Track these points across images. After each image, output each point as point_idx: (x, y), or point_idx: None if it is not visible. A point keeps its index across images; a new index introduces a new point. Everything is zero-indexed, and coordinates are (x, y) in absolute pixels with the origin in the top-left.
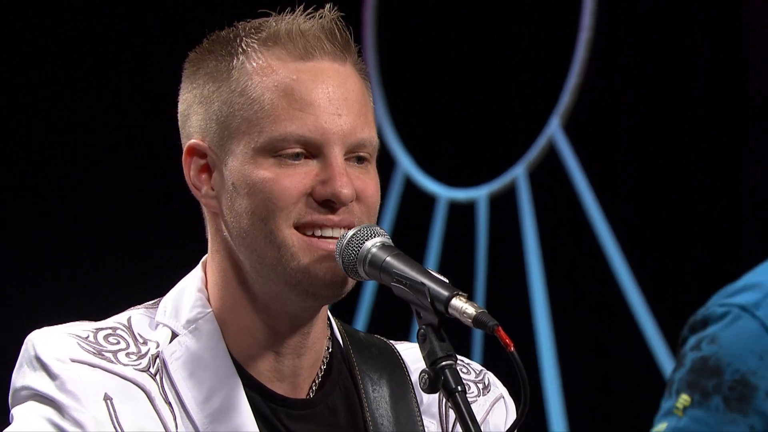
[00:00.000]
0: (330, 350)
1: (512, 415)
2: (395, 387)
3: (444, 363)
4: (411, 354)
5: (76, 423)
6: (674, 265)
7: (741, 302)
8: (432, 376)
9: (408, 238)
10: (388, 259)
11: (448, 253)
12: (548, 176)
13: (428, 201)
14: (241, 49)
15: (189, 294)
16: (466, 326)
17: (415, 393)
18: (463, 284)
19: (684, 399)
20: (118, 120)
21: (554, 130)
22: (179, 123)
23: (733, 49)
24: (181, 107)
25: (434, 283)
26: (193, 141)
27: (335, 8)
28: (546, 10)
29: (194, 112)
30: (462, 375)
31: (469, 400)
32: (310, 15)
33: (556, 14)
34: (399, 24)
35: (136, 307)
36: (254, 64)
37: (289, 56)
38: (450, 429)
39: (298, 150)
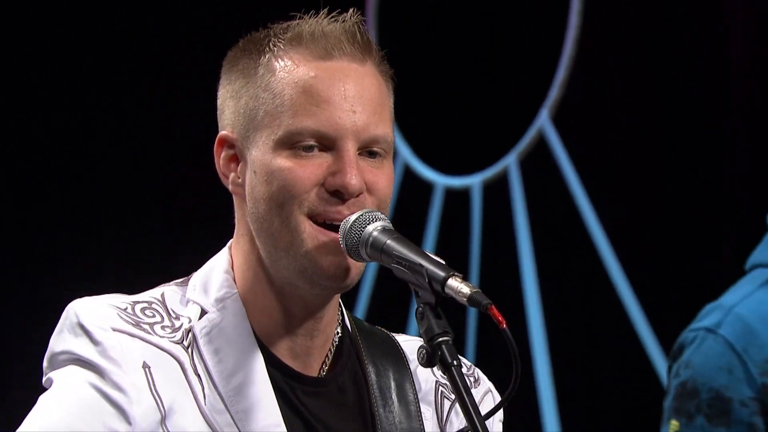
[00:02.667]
0: (339, 335)
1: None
2: (396, 374)
3: (441, 339)
4: (409, 345)
5: (117, 387)
6: (657, 248)
7: (705, 325)
8: (429, 351)
9: (407, 222)
10: (389, 242)
11: (444, 237)
12: (538, 165)
13: (426, 188)
14: (268, 48)
15: (217, 274)
16: (462, 305)
17: (413, 381)
18: (458, 265)
19: (674, 425)
20: (147, 108)
21: (543, 121)
22: (218, 116)
23: (714, 47)
24: (218, 102)
25: (431, 264)
26: (223, 132)
27: (358, 13)
28: (536, 9)
29: (227, 106)
30: None
31: None
32: (334, 18)
33: (546, 14)
34: (399, 25)
35: (167, 283)
36: (279, 62)
37: (311, 55)
38: (444, 416)
39: (312, 143)
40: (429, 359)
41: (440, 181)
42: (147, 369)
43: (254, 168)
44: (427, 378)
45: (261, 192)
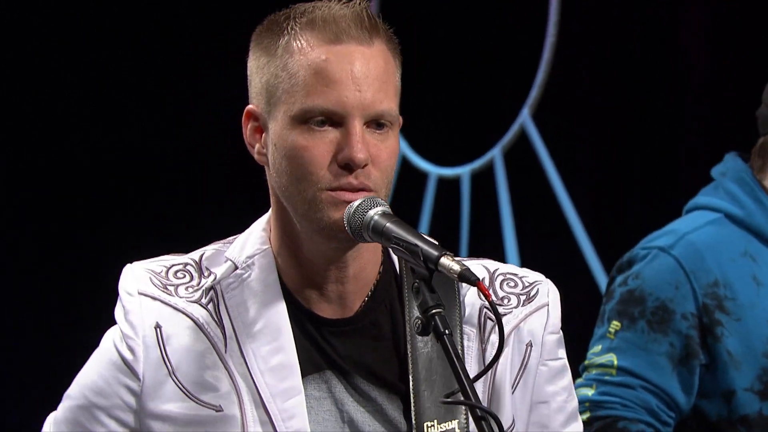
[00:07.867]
0: (380, 275)
1: (553, 320)
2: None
3: (434, 311)
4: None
5: (130, 350)
6: (623, 228)
7: (659, 244)
8: (424, 321)
9: (404, 207)
10: (388, 224)
11: (437, 220)
12: (520, 157)
13: (420, 177)
14: (287, 31)
15: (255, 232)
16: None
17: (459, 305)
18: (449, 245)
19: (615, 324)
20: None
21: (525, 118)
22: (248, 87)
23: (669, 54)
24: (247, 73)
25: (426, 244)
26: (250, 106)
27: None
28: (518, 18)
29: (253, 80)
30: (508, 288)
31: (504, 311)
32: (344, 3)
33: (527, 22)
34: (398, 29)
35: (217, 241)
36: (295, 45)
37: (323, 40)
38: (486, 335)
39: (322, 118)
40: (424, 329)
41: (433, 170)
42: (158, 329)
43: (274, 141)
44: (473, 302)
45: (281, 165)
